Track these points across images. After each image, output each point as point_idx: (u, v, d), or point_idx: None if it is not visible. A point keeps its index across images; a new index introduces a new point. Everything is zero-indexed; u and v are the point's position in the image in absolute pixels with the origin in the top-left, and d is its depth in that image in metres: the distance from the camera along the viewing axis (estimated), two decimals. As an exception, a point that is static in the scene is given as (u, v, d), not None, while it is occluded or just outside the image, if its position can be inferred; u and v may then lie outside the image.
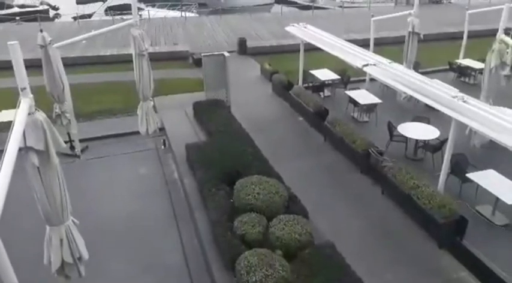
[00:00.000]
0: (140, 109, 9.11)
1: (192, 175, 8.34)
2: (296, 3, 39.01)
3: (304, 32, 12.73)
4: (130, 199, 8.51)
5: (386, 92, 12.67)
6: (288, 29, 13.26)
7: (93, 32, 10.22)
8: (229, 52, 12.34)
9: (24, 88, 4.26)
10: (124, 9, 24.99)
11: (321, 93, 13.46)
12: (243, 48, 18.66)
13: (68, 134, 9.81)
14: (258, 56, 17.87)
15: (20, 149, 3.92)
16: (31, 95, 4.29)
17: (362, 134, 9.58)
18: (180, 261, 6.93)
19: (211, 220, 6.74)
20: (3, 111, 10.28)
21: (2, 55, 15.51)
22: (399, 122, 9.93)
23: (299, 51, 13.14)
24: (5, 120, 9.25)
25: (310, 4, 35.05)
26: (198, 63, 16.22)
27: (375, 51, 11.56)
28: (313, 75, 13.62)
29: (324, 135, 10.73)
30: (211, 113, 10.50)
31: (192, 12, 29.32)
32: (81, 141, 10.09)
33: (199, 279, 6.45)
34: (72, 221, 4.89)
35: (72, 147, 9.80)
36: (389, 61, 9.84)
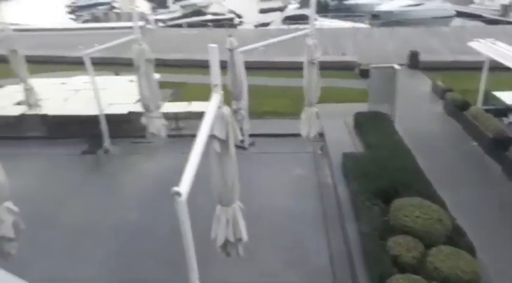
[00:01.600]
0: (304, 114, 9.57)
1: (346, 184, 8.40)
2: (481, 16, 34.78)
3: (491, 48, 11.40)
4: (285, 195, 9.01)
5: None
6: (471, 44, 12.05)
7: (272, 40, 11.14)
8: (398, 65, 11.91)
9: (216, 85, 4.87)
10: (299, 19, 26.40)
11: (505, 118, 11.82)
12: (414, 61, 17.70)
13: (241, 128, 10.95)
14: (430, 72, 16.69)
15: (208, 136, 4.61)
16: (221, 91, 4.87)
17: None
18: (326, 265, 7.04)
19: (362, 233, 6.69)
20: (194, 102, 12.06)
21: (190, 54, 18.60)
22: None
23: (480, 69, 11.85)
24: (195, 110, 11.02)
25: (500, 18, 30.90)
26: (364, 74, 16.06)
27: None
28: (496, 97, 12.07)
29: (502, 166, 9.43)
30: (372, 125, 10.34)
31: (364, 23, 29.09)
32: (249, 136, 11.11)
33: (344, 287, 6.43)
34: (239, 205, 5.51)
35: (242, 141, 10.92)
36: None
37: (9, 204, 5.93)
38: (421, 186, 7.66)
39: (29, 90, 11.83)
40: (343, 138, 10.53)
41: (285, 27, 26.92)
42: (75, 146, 10.81)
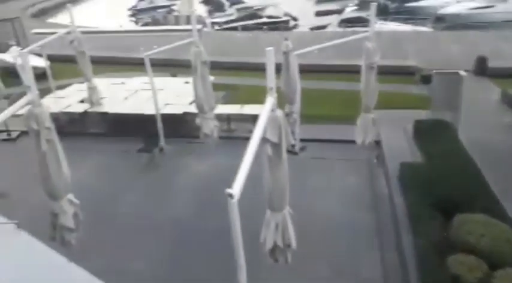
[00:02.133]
0: (360, 119, 9.22)
1: (403, 196, 8.00)
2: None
3: None
4: (337, 204, 8.76)
5: None
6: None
7: (329, 43, 10.86)
8: (464, 71, 11.19)
9: (271, 88, 4.83)
10: (356, 21, 25.75)
11: None
12: (481, 68, 16.53)
13: (292, 132, 10.79)
14: (500, 79, 15.50)
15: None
16: (275, 94, 4.81)
17: None
18: (378, 278, 6.76)
19: (420, 248, 6.32)
20: (246, 105, 12.09)
21: (243, 57, 18.70)
22: None
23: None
24: (248, 112, 11.16)
25: None
26: (424, 79, 15.34)
27: None
28: None
29: None
30: (434, 134, 9.77)
31: (426, 26, 27.73)
32: (300, 140, 10.90)
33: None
34: (288, 211, 5.37)
35: (293, 145, 10.75)
36: None
37: (71, 196, 6.23)
38: (486, 201, 7.18)
39: (92, 89, 12.48)
40: (401, 147, 10.07)
41: (341, 30, 26.38)
42: (131, 144, 11.21)
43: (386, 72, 15.70)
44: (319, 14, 37.71)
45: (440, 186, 7.58)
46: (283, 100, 10.16)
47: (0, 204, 6.62)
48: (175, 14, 36.81)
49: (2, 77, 12.42)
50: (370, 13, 8.79)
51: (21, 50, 12.43)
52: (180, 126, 12.12)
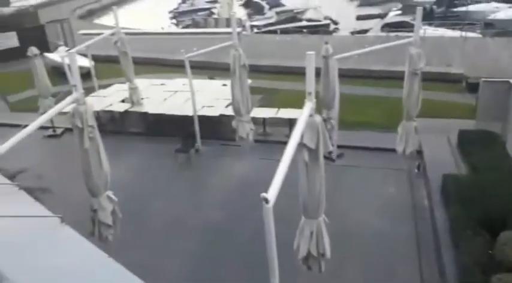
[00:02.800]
0: (401, 127, 8.91)
1: (445, 209, 7.68)
2: None
3: None
4: (374, 214, 8.53)
5: None
6: None
7: (375, 47, 10.57)
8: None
9: (310, 92, 4.73)
10: (399, 26, 25.00)
11: None
12: (534, 76, 15.60)
13: (330, 138, 10.56)
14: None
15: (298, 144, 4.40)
16: (314, 99, 4.71)
17: None
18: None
19: (462, 265, 6.02)
20: (282, 109, 11.97)
21: (281, 60, 18.58)
22: None
23: None
24: (283, 116, 11.10)
25: None
26: (472, 88, 14.60)
27: None
28: None
29: None
30: (480, 145, 9.31)
31: (475, 32, 26.48)
32: (338, 147, 10.70)
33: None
34: (324, 219, 5.23)
35: (330, 152, 10.54)
36: None
37: (110, 193, 6.38)
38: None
39: (133, 89, 12.81)
40: (444, 158, 9.67)
41: (383, 34, 25.68)
42: (169, 144, 11.38)
43: (430, 79, 15.17)
44: (360, 18, 36.96)
45: (485, 200, 7.22)
46: (321, 105, 10.02)
47: (44, 198, 6.85)
48: (215, 16, 37.24)
49: (50, 75, 12.96)
50: (416, 17, 8.49)
51: (69, 50, 13.01)
52: (216, 128, 12.22)
